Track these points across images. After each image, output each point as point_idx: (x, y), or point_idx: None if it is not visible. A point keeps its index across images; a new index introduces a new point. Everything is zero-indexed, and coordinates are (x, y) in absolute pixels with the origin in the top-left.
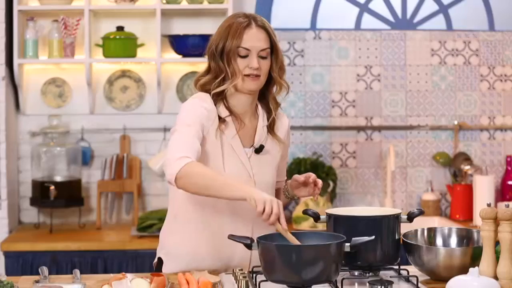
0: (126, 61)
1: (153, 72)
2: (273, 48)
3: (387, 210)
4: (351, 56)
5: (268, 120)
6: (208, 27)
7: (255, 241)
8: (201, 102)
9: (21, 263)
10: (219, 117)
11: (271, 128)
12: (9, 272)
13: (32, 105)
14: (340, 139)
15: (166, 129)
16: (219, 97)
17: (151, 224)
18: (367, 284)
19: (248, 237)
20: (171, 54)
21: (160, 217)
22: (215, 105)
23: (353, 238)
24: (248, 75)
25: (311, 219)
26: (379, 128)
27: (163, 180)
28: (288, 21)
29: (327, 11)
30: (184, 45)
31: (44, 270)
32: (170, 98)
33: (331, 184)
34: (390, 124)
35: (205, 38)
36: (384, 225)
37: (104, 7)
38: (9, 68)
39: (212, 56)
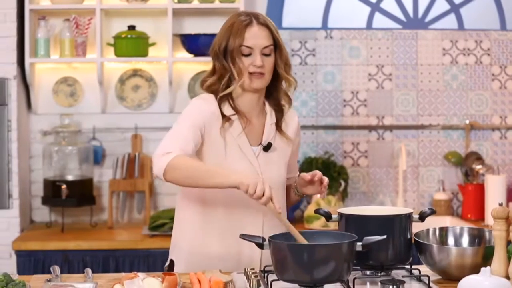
0: (137, 60)
1: (165, 71)
2: (276, 45)
3: (399, 209)
4: (362, 55)
5: (276, 118)
6: (220, 26)
7: (267, 240)
8: (202, 104)
9: (33, 262)
10: (224, 116)
11: (279, 126)
12: (20, 271)
13: (43, 104)
14: (352, 138)
15: None
16: (225, 97)
17: (163, 223)
18: (379, 283)
19: (259, 237)
20: (183, 53)
21: (171, 216)
22: (220, 104)
23: (364, 238)
24: (252, 73)
25: (323, 219)
26: (390, 128)
27: None
28: (300, 21)
29: (338, 10)
30: (195, 44)
31: (56, 269)
32: (182, 97)
33: (343, 183)
34: (402, 123)
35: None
36: (396, 225)
37: (116, 6)
38: (21, 67)
39: (216, 56)
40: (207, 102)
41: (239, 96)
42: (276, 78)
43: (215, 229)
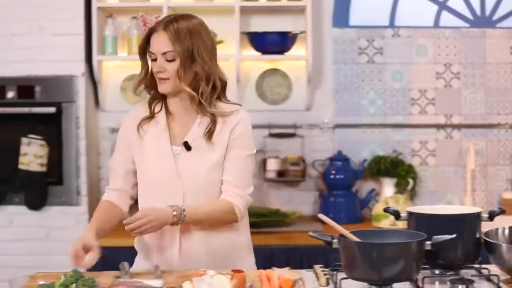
0: None
1: (232, 69)
2: (179, 53)
3: (468, 208)
4: (430, 53)
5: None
6: (287, 24)
7: (337, 238)
8: (123, 122)
9: (101, 259)
10: (150, 116)
11: (208, 132)
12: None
13: (111, 101)
14: (420, 137)
15: None
16: (158, 97)
17: None
18: (448, 282)
19: (328, 235)
20: (250, 51)
21: None
22: (152, 104)
23: (434, 237)
24: (159, 78)
25: (391, 217)
26: (458, 126)
27: None
28: (367, 19)
29: (405, 9)
30: (263, 42)
31: (125, 265)
32: (249, 95)
33: (411, 182)
34: (470, 122)
35: (284, 35)
36: (466, 224)
37: (183, 4)
38: (89, 65)
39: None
40: (128, 116)
41: (170, 99)
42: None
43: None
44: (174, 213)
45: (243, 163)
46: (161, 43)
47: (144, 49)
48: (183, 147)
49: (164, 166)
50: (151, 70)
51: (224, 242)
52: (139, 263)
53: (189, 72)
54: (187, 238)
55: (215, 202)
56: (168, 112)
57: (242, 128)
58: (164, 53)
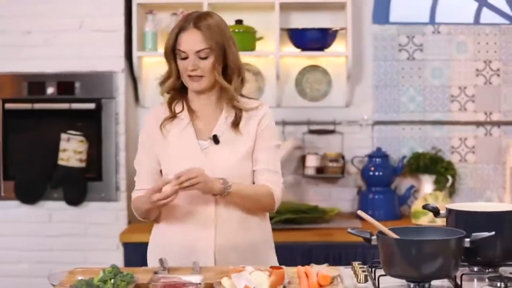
0: (245, 55)
1: (272, 66)
2: (214, 49)
3: (507, 206)
4: (470, 50)
5: (235, 114)
6: (327, 20)
7: (375, 235)
8: (144, 124)
9: (140, 254)
10: (172, 115)
11: (235, 125)
12: (128, 263)
13: (151, 97)
14: (459, 134)
15: (285, 123)
16: (178, 97)
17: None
18: (487, 280)
19: (367, 231)
20: (290, 48)
21: None
22: (172, 104)
23: (473, 234)
24: (190, 76)
25: (430, 214)
26: (498, 123)
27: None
28: (407, 15)
29: (446, 5)
30: (302, 39)
31: (164, 261)
32: (289, 91)
33: (450, 179)
34: (510, 119)
35: (324, 31)
36: (505, 221)
37: (223, 0)
38: (129, 61)
39: (165, 56)
40: (149, 115)
41: (191, 95)
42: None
43: (173, 222)
44: (221, 185)
45: (275, 153)
46: (194, 41)
47: (172, 49)
48: (211, 141)
49: (193, 161)
50: (177, 70)
51: (250, 238)
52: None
53: (221, 66)
54: (220, 233)
55: (256, 185)
56: (190, 110)
57: (268, 121)
58: (198, 51)
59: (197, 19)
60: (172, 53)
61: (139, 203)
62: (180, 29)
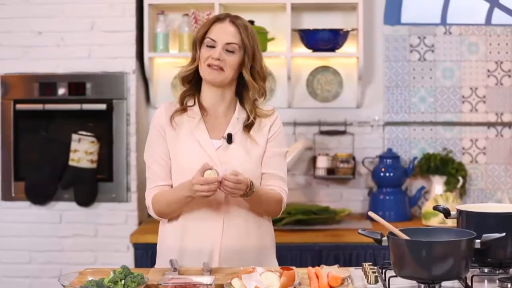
0: None
1: (283, 66)
2: (246, 47)
3: None
4: (481, 51)
5: (248, 117)
6: (338, 21)
7: (386, 236)
8: (154, 120)
9: (151, 255)
10: (182, 108)
11: (247, 128)
12: (138, 264)
13: (162, 98)
14: (470, 135)
15: (296, 123)
16: (191, 92)
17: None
18: (497, 281)
19: (378, 232)
20: (301, 49)
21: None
22: (184, 98)
23: (483, 235)
24: (210, 65)
25: (441, 215)
26: (509, 124)
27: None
28: (419, 16)
29: (457, 6)
30: (314, 40)
31: (174, 262)
32: (300, 92)
33: (461, 180)
34: None
35: (335, 32)
36: None
37: (235, 1)
38: (140, 62)
39: (193, 46)
40: (160, 109)
41: (204, 90)
42: (246, 84)
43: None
44: (249, 188)
45: (283, 159)
46: (228, 33)
47: (202, 37)
48: (224, 140)
49: (206, 160)
50: (194, 57)
51: (255, 241)
52: (160, 260)
53: (248, 67)
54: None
55: (270, 190)
56: (201, 107)
57: (278, 126)
58: (228, 43)
59: (234, 17)
60: (200, 42)
61: (166, 197)
62: (216, 19)
